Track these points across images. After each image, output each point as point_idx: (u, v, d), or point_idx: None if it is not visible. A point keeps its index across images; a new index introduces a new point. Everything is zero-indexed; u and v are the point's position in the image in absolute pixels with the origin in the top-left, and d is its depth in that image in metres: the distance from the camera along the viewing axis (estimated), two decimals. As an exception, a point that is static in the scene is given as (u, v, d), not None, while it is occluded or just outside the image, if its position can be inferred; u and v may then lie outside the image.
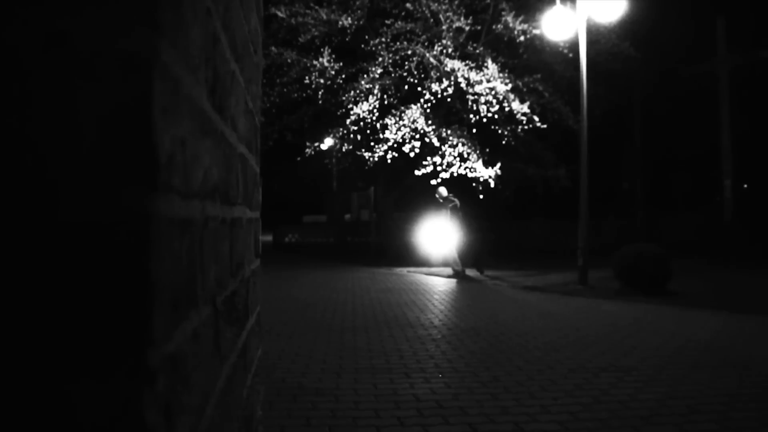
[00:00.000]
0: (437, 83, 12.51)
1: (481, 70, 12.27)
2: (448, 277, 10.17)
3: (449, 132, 12.91)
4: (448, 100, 12.89)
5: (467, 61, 12.42)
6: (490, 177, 12.85)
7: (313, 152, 14.14)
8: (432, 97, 12.78)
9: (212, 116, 0.55)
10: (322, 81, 12.91)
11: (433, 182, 13.34)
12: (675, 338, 4.79)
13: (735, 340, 4.74)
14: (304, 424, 2.76)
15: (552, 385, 3.47)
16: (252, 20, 0.95)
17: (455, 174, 13.09)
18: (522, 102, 12.39)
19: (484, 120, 12.87)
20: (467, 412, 2.96)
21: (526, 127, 12.69)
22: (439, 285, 9.13)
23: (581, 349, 4.42)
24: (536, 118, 12.37)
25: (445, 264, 10.66)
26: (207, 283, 0.53)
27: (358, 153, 13.69)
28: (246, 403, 0.86)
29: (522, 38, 12.24)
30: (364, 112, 12.88)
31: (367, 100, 12.85)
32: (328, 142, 15.04)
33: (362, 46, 12.98)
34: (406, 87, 13.15)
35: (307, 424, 2.76)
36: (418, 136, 12.92)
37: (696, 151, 17.83)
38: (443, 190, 10.66)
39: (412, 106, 12.82)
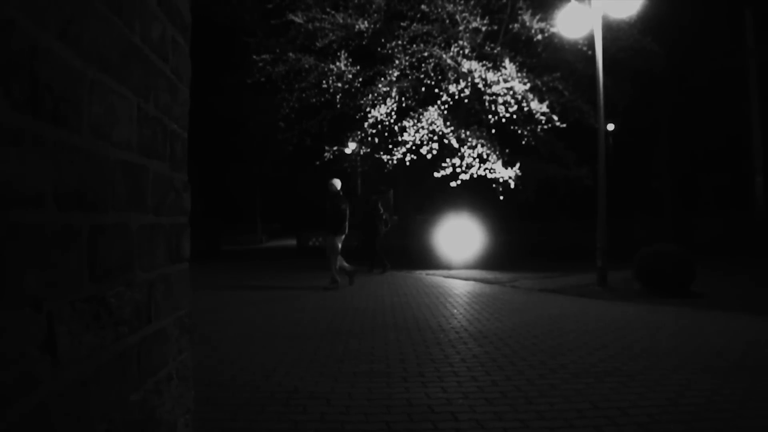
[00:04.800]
0: (454, 84, 12.45)
1: (499, 70, 12.15)
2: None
3: (468, 133, 12.83)
4: (466, 101, 12.81)
5: (484, 62, 12.32)
6: (510, 177, 12.71)
7: (332, 156, 14.25)
8: (449, 99, 12.72)
9: (25, 126, 0.56)
10: (339, 85, 13.02)
11: (458, 183, 13.20)
12: (689, 341, 4.62)
13: (753, 344, 4.55)
14: (291, 428, 2.77)
15: (552, 390, 3.40)
16: (153, 30, 0.96)
17: (475, 175, 13.00)
18: (541, 101, 12.22)
19: (503, 120, 12.74)
20: (457, 418, 2.92)
21: (545, 126, 12.51)
22: (456, 288, 9.06)
23: (588, 352, 4.31)
24: (555, 117, 12.18)
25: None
26: (15, 286, 0.54)
27: (377, 156, 13.73)
28: (139, 407, 0.87)
29: (540, 37, 12.07)
30: (382, 115, 12.92)
31: (384, 103, 12.89)
32: (351, 146, 15.15)
33: (379, 49, 13.03)
34: (424, 89, 13.13)
35: (294, 428, 2.77)
36: (436, 138, 12.88)
37: (726, 147, 17.21)
38: (337, 183, 9.03)
39: (430, 108, 12.79)
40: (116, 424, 0.78)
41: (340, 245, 8.89)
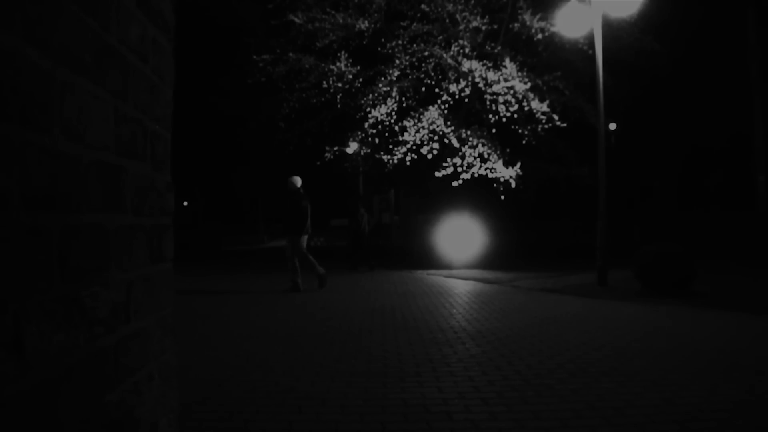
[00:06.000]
0: (455, 84, 12.45)
1: (499, 69, 12.15)
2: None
3: (469, 133, 12.83)
4: (466, 100, 12.82)
5: (485, 61, 12.32)
6: (510, 177, 12.69)
7: (333, 156, 14.27)
8: (450, 98, 12.72)
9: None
10: (340, 85, 13.03)
11: (459, 182, 13.18)
12: (688, 341, 4.61)
13: (753, 344, 4.53)
14: (286, 428, 2.77)
15: (548, 390, 3.39)
16: (131, 30, 0.96)
17: (476, 175, 12.99)
18: (542, 101, 12.21)
19: (504, 120, 12.74)
20: (452, 418, 2.92)
21: (546, 126, 12.49)
22: (456, 288, 9.06)
23: (586, 352, 4.30)
24: (556, 117, 12.16)
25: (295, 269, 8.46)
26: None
27: (378, 156, 13.74)
28: (116, 407, 0.87)
29: (540, 36, 12.06)
30: (382, 114, 12.92)
31: (385, 102, 12.90)
32: (352, 146, 15.16)
33: (379, 49, 13.03)
34: (424, 89, 13.13)
35: (289, 428, 2.77)
36: (436, 138, 12.88)
37: (727, 146, 17.17)
38: (297, 180, 8.52)
39: (431, 107, 12.80)
40: (90, 424, 0.78)
41: (305, 244, 8.49)
